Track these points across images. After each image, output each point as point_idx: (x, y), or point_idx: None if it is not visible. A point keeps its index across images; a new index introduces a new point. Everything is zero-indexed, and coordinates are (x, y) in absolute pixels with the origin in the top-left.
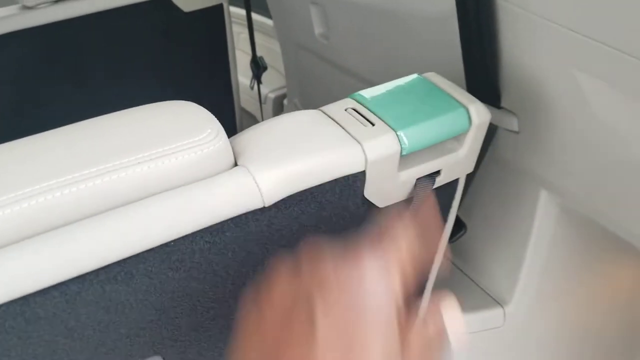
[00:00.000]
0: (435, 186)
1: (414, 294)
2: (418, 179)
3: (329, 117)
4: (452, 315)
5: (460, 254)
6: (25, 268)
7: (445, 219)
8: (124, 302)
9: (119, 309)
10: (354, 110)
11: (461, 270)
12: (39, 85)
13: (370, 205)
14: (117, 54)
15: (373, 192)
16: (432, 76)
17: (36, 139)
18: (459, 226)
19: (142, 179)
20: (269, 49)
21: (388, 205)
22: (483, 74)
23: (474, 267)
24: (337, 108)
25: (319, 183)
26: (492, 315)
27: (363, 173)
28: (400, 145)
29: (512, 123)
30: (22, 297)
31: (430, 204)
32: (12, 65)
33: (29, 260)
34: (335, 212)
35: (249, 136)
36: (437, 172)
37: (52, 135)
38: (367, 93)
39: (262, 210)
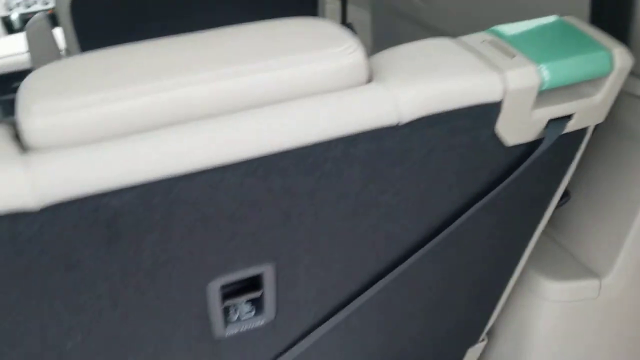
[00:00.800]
0: (565, 131)
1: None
2: (550, 120)
3: (468, 45)
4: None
5: (552, 222)
6: (175, 150)
7: (561, 177)
8: (257, 198)
9: (251, 205)
10: (492, 42)
11: (554, 239)
12: None
13: (498, 141)
14: None
15: (505, 127)
16: (571, 19)
17: (184, 39)
18: (563, 193)
19: (283, 82)
20: (355, 19)
21: (515, 145)
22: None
23: (569, 236)
24: (475, 39)
25: (455, 108)
26: (586, 285)
27: (499, 104)
28: (541, 78)
29: (637, 86)
30: (170, 177)
31: (556, 152)
32: None
33: (178, 143)
34: (465, 141)
35: (386, 56)
36: (569, 117)
37: (198, 38)
38: (505, 28)
39: (396, 128)
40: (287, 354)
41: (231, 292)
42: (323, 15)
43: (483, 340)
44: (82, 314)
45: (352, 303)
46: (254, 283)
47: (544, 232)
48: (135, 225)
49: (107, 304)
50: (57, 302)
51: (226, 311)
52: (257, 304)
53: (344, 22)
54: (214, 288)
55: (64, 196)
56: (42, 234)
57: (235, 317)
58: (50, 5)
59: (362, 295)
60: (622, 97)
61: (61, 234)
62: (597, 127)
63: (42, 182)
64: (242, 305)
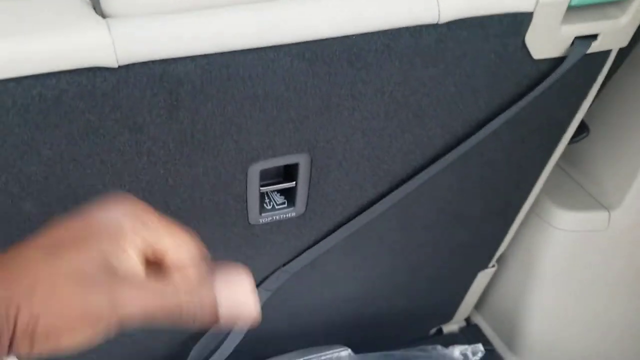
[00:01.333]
0: (589, 51)
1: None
2: (576, 38)
3: None
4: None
5: (567, 156)
6: (234, 27)
7: (581, 101)
8: (302, 83)
9: (296, 89)
10: None
11: (567, 173)
12: None
13: (526, 53)
14: None
15: (533, 39)
16: None
17: None
18: (581, 128)
19: None
20: None
21: (541, 60)
22: None
23: (582, 170)
24: None
25: (490, 13)
26: (596, 217)
27: (530, 15)
28: None
29: None
30: (229, 52)
31: (578, 72)
32: None
33: (237, 21)
34: (496, 48)
35: None
36: (595, 37)
37: None
38: None
39: (435, 26)
40: (314, 249)
41: (268, 182)
42: None
43: (493, 266)
44: (138, 179)
45: (375, 205)
46: (289, 176)
47: (558, 165)
48: (194, 95)
49: (161, 171)
50: (119, 163)
51: (262, 199)
52: (290, 197)
53: None
54: (254, 171)
55: (137, 58)
56: (115, 91)
57: (270, 207)
58: None
59: (386, 199)
60: None
61: (131, 94)
62: (618, 56)
63: (121, 43)
64: (276, 197)
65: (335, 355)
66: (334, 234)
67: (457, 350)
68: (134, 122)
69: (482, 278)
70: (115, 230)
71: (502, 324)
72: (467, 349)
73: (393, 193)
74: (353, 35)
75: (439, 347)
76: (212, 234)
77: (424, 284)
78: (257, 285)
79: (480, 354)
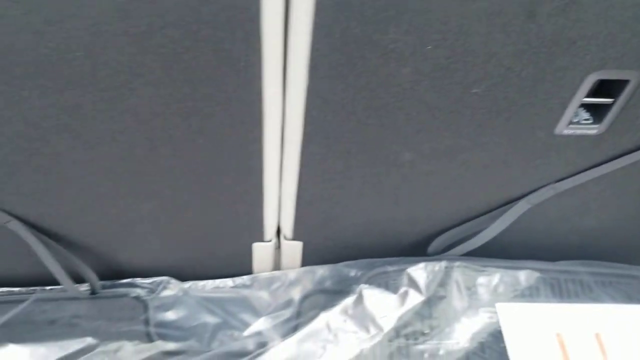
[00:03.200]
0: None
1: None
2: None
3: None
4: None
5: None
6: None
7: None
8: None
9: None
10: None
11: None
12: None
13: None
14: None
15: None
16: None
17: None
18: None
19: None
20: None
21: None
22: None
23: None
24: None
25: None
26: None
27: None
28: None
29: None
30: None
31: None
32: None
33: None
34: None
35: None
36: None
37: None
38: None
39: None
40: (592, 171)
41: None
42: None
43: None
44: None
45: None
46: (604, 93)
47: None
48: None
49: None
50: None
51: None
52: (598, 113)
53: None
54: (589, 81)
55: None
56: None
57: (576, 120)
58: None
59: None
60: None
61: None
62: None
63: None
64: (581, 111)
65: None
66: (619, 159)
67: None
68: None
69: None
70: None
71: None
72: None
73: None
74: None
75: None
76: (510, 139)
77: None
78: (521, 197)
79: None
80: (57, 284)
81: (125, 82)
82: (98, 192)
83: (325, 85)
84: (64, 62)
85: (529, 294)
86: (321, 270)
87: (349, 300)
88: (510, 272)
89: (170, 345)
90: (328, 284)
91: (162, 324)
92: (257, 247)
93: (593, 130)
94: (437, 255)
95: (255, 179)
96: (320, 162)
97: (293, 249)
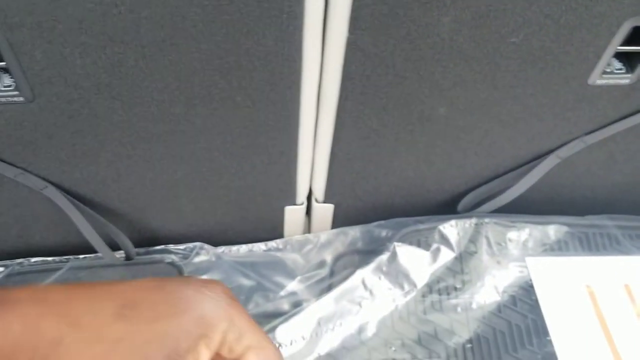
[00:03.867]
0: None
1: None
2: None
3: None
4: None
5: None
6: None
7: None
8: None
9: None
10: None
11: None
12: None
13: None
14: None
15: None
16: None
17: None
18: None
19: None
20: None
21: None
22: None
23: None
24: None
25: None
26: None
27: None
28: None
29: None
30: None
31: None
32: None
33: None
34: None
35: None
36: None
37: None
38: None
39: None
40: (623, 122)
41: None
42: None
43: None
44: None
45: None
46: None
47: None
48: None
49: None
50: None
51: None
52: (632, 63)
53: None
54: (627, 27)
55: None
56: None
57: (609, 69)
58: None
59: None
60: None
61: None
62: None
63: None
64: (614, 61)
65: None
66: None
67: None
68: None
69: None
70: (200, 325)
71: None
72: None
73: None
74: None
75: None
76: (544, 90)
77: None
78: (552, 151)
79: None
80: (90, 252)
81: (167, 37)
82: (134, 155)
83: (365, 38)
84: (107, 18)
85: (558, 248)
86: (352, 232)
87: (383, 258)
88: (539, 227)
89: None
90: (360, 244)
91: None
92: (289, 210)
93: (626, 79)
94: (466, 212)
95: (291, 138)
96: (356, 119)
97: (324, 212)
